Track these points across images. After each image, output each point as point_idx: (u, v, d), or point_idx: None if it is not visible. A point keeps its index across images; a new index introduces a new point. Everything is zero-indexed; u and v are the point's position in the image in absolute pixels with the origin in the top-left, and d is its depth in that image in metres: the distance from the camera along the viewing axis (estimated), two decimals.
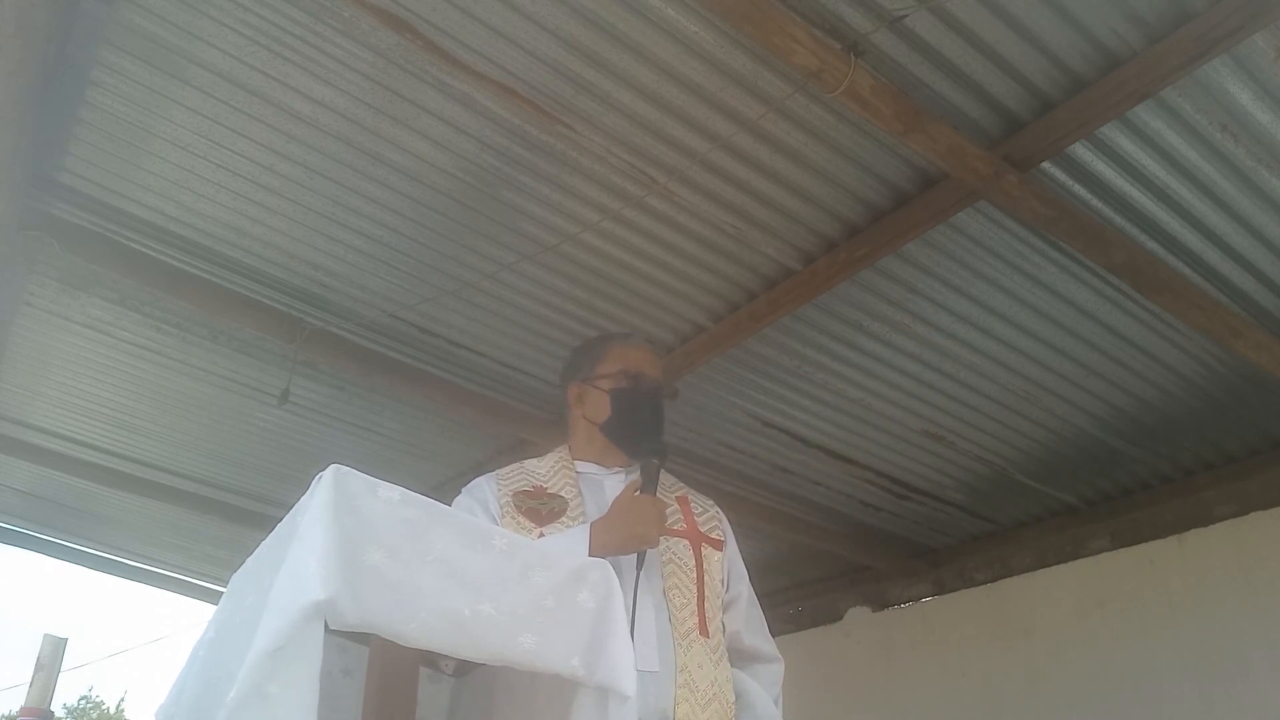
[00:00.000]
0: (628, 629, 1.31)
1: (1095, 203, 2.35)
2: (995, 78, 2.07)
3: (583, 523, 1.81)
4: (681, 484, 2.06)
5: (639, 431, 1.96)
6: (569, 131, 2.28)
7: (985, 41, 1.98)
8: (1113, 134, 2.17)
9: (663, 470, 2.01)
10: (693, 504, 1.99)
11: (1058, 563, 3.88)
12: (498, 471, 1.97)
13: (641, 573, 1.72)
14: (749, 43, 2.00)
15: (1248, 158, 2.22)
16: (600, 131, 2.28)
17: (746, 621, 1.96)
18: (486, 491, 1.89)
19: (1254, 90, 2.06)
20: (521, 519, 1.81)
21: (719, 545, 1.94)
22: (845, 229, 2.55)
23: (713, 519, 2.01)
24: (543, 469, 1.96)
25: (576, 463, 1.99)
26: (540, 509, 1.84)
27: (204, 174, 2.53)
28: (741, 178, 2.40)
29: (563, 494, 1.88)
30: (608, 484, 1.94)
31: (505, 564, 1.25)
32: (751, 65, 2.08)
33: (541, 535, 1.78)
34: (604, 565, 1.36)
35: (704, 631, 1.79)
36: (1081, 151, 2.22)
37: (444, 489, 4.07)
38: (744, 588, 1.99)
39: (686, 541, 1.89)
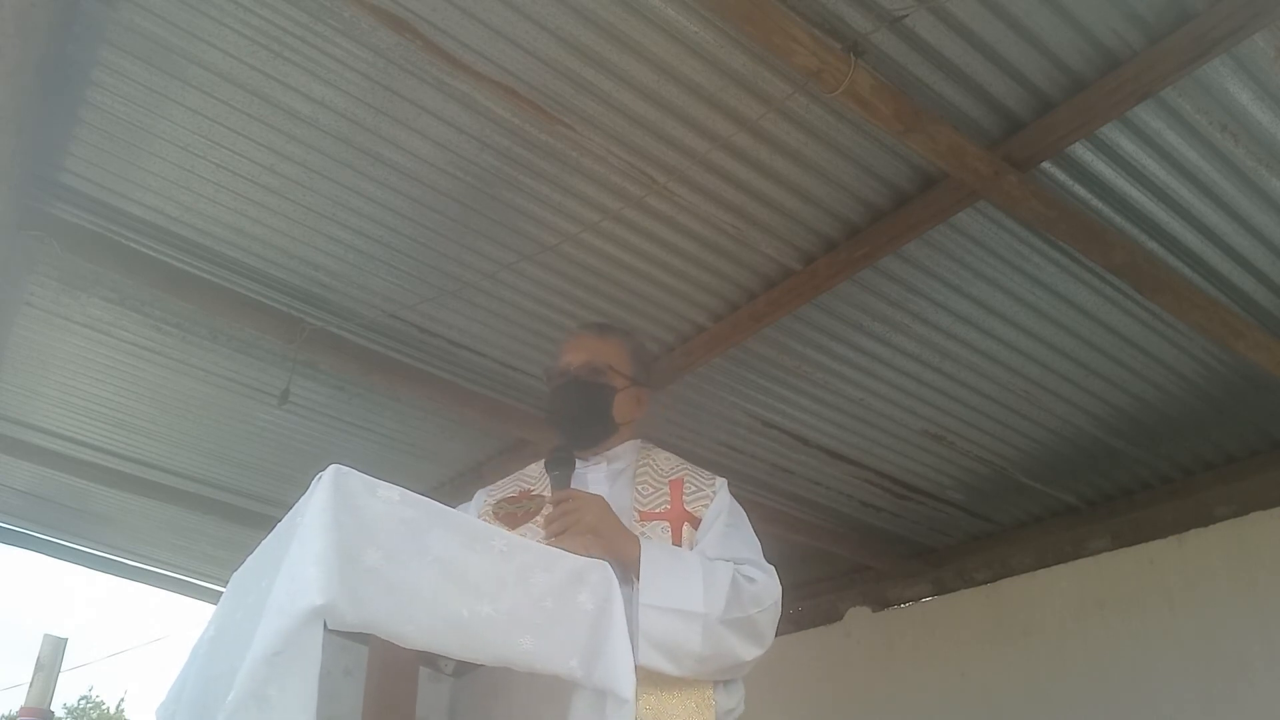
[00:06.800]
0: (626, 631, 1.31)
1: (1095, 203, 2.35)
2: (995, 78, 2.07)
3: None
4: (685, 465, 2.03)
5: (572, 424, 1.99)
6: (569, 131, 2.28)
7: (985, 41, 1.98)
8: (1113, 134, 2.16)
9: (664, 453, 2.02)
10: (687, 485, 1.97)
11: (1058, 563, 3.88)
12: (493, 484, 2.03)
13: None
14: (749, 43, 2.00)
15: (1248, 158, 2.22)
16: (600, 131, 2.28)
17: (720, 542, 1.85)
18: (471, 508, 1.96)
19: (1254, 90, 2.06)
20: (497, 524, 1.84)
21: (696, 523, 1.89)
22: (845, 229, 2.55)
23: (706, 496, 1.95)
24: (535, 470, 2.01)
25: None
26: (516, 512, 1.87)
27: (204, 174, 2.53)
28: (741, 178, 2.39)
29: (545, 494, 1.90)
30: (589, 475, 1.95)
31: (504, 565, 1.25)
32: (751, 65, 2.08)
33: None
34: (604, 566, 1.36)
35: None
36: (1081, 151, 2.21)
37: (444, 489, 4.08)
38: (719, 522, 1.89)
39: (666, 523, 1.87)
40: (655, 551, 1.75)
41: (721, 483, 2.01)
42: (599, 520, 1.75)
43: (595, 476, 1.95)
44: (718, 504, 1.94)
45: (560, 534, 1.72)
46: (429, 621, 1.15)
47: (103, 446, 4.21)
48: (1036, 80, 2.07)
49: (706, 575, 1.72)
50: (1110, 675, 3.56)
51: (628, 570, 1.71)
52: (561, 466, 1.85)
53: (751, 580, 1.77)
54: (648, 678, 1.61)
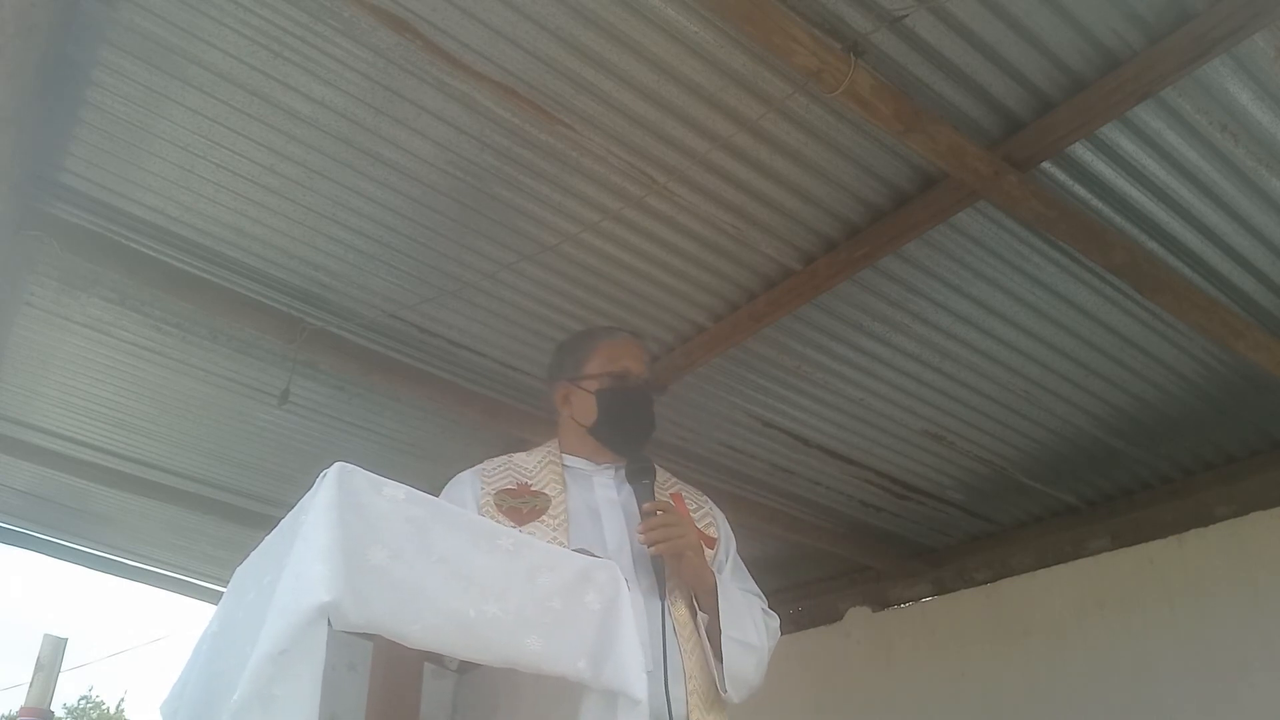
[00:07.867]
0: (635, 631, 1.31)
1: (1095, 203, 2.35)
2: (995, 78, 2.07)
3: (564, 519, 1.83)
4: (675, 480, 2.06)
5: (628, 432, 1.98)
6: (569, 131, 2.28)
7: (985, 41, 1.98)
8: (1113, 134, 2.17)
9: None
10: (687, 501, 2.00)
11: (1058, 563, 3.88)
12: (482, 466, 1.97)
13: (641, 576, 1.76)
14: (749, 43, 2.00)
15: (1248, 158, 2.22)
16: (600, 131, 2.28)
17: (735, 574, 1.98)
18: (467, 490, 1.90)
19: (1254, 90, 2.06)
20: (501, 518, 1.80)
21: (711, 543, 1.95)
22: (845, 229, 2.55)
23: (706, 515, 2.01)
24: (530, 464, 1.96)
25: (565, 457, 1.99)
26: (521, 508, 1.85)
27: (204, 174, 2.53)
28: (741, 178, 2.40)
29: (546, 491, 1.89)
30: (596, 480, 1.95)
31: (511, 564, 1.24)
32: (751, 65, 2.08)
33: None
34: (611, 566, 1.35)
35: (698, 630, 1.80)
36: (1081, 151, 2.22)
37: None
38: (731, 553, 2.01)
39: None
40: (723, 583, 1.85)
41: (710, 501, 2.09)
42: (698, 543, 1.83)
43: (602, 480, 1.95)
44: (724, 531, 2.03)
45: (656, 544, 1.76)
46: (434, 621, 1.14)
47: (103, 446, 4.21)
48: (1036, 80, 2.07)
49: (751, 610, 1.87)
50: (1110, 675, 3.56)
51: (704, 597, 1.81)
52: (647, 475, 1.88)
53: (770, 615, 1.92)
54: (701, 698, 1.71)
